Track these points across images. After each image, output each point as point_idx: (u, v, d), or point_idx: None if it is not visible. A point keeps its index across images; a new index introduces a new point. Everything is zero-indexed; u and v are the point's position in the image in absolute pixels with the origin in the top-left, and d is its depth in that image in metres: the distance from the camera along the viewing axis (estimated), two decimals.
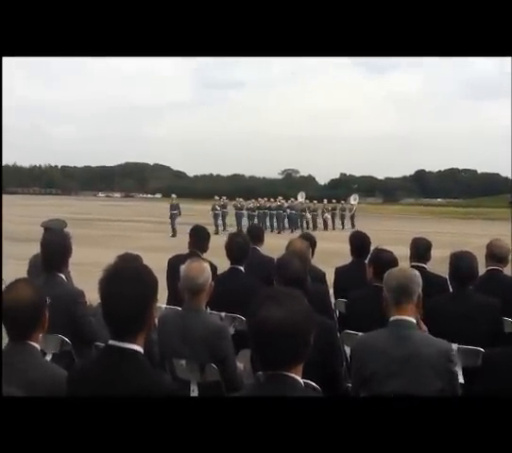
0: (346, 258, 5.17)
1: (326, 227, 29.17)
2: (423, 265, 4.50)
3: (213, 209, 26.47)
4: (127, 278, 2.00)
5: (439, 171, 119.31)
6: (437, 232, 19.93)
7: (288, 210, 28.20)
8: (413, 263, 4.52)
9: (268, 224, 26.89)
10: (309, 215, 29.19)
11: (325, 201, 31.38)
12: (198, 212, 27.03)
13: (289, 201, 29.53)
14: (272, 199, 29.19)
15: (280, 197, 29.37)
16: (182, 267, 3.27)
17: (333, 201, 32.36)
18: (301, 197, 32.82)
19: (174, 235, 21.85)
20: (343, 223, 31.03)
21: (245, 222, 26.02)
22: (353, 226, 29.61)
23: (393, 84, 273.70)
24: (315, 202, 31.53)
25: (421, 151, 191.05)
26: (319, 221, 29.73)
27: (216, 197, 27.60)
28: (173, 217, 23.20)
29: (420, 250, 4.72)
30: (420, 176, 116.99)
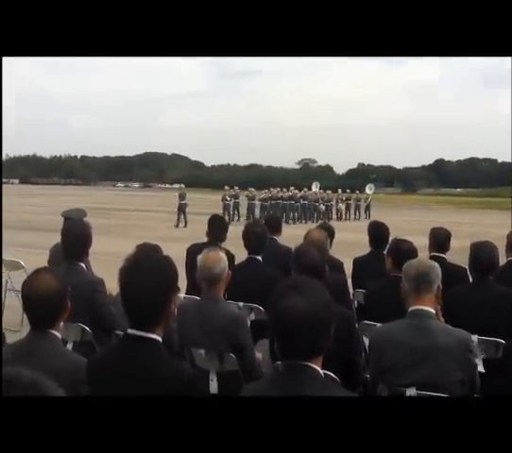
0: (362, 248, 5.15)
1: (340, 218, 28.60)
2: (443, 255, 4.47)
3: (223, 199, 26.12)
4: (147, 268, 2.00)
5: (459, 160, 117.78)
6: (456, 222, 19.75)
7: (301, 201, 27.76)
8: (432, 254, 4.48)
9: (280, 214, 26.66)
10: (323, 206, 28.69)
11: (339, 191, 30.79)
12: (215, 202, 27.04)
13: (302, 191, 28.95)
14: (285, 189, 28.66)
15: (292, 187, 28.84)
16: (199, 257, 3.27)
17: (348, 191, 31.68)
18: (316, 187, 32.14)
19: (182, 225, 21.76)
20: (358, 213, 30.52)
21: (257, 212, 25.77)
22: (368, 216, 29.15)
23: (410, 72, 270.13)
24: (330, 192, 30.95)
25: (440, 140, 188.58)
26: (334, 211, 29.29)
27: (226, 187, 27.21)
28: (181, 207, 22.89)
29: (439, 240, 4.68)
30: (439, 165, 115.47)
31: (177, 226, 21.88)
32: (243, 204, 26.79)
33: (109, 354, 2.14)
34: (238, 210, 25.91)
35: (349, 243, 8.24)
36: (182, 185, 26.64)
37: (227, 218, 23.02)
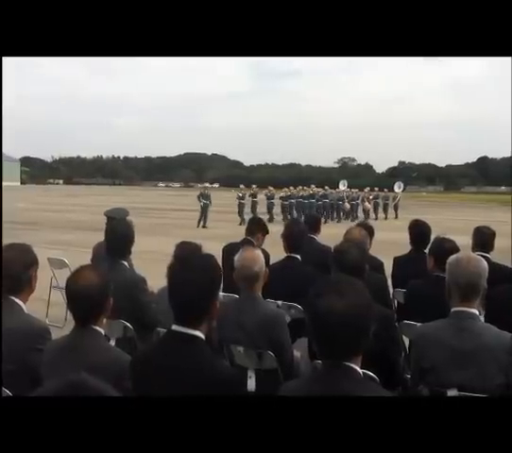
0: (395, 247, 5.07)
1: (367, 217, 26.23)
2: (487, 255, 4.36)
3: (239, 198, 24.64)
4: (194, 267, 2.04)
5: (503, 157, 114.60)
6: (501, 221, 19.23)
7: (322, 200, 26.49)
8: (476, 253, 4.38)
9: (295, 214, 25.04)
10: (347, 204, 27.26)
11: (366, 189, 29.51)
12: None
13: (323, 189, 27.61)
14: (305, 187, 27.47)
15: (313, 185, 27.78)
16: (236, 257, 3.29)
17: (376, 189, 30.27)
18: (343, 185, 30.75)
19: (202, 225, 21.14)
20: (386, 212, 28.79)
21: (276, 211, 24.80)
22: (397, 215, 28.00)
23: (453, 68, 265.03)
24: (356, 190, 29.77)
25: (484, 138, 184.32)
26: (360, 210, 27.77)
27: (242, 186, 25.98)
28: (202, 207, 21.99)
29: (483, 239, 4.58)
30: (483, 162, 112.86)
31: (198, 226, 21.05)
32: (262, 203, 25.53)
33: (152, 350, 2.17)
34: (255, 210, 24.30)
35: (381, 242, 8.17)
36: (208, 184, 26.07)
37: (240, 218, 21.91)
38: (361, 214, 27.65)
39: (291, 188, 27.22)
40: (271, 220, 22.26)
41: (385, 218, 27.76)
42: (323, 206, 26.47)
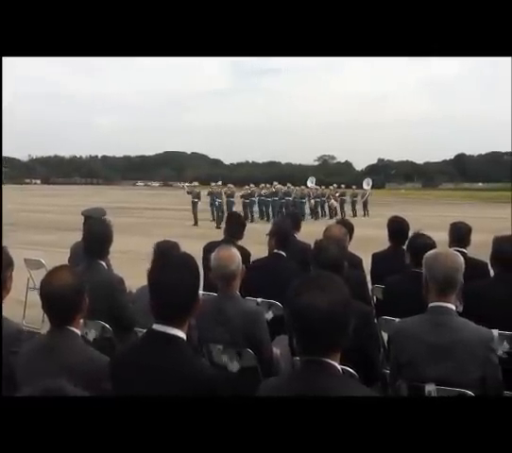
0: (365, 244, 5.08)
1: (332, 215, 25.70)
2: (463, 250, 4.42)
3: (193, 196, 22.49)
4: (177, 265, 2.05)
5: (480, 154, 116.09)
6: (478, 217, 19.48)
7: (285, 197, 25.81)
8: (453, 248, 4.43)
9: (256, 212, 24.47)
10: (313, 201, 26.79)
11: (333, 186, 28.77)
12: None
13: (285, 187, 26.91)
14: (268, 185, 26.34)
15: (275, 182, 26.79)
16: (212, 256, 3.28)
17: (343, 186, 29.51)
18: (311, 182, 30.02)
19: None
20: (354, 210, 27.87)
21: (236, 209, 23.65)
22: (367, 213, 27.50)
23: (431, 67, 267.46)
24: (323, 187, 29.01)
25: (461, 135, 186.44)
26: (326, 208, 27.21)
27: (195, 183, 24.74)
28: (219, 207, 21.65)
29: (460, 235, 4.64)
30: (461, 160, 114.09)
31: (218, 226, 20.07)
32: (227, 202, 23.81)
33: (132, 350, 2.16)
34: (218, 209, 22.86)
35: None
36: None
37: (194, 218, 21.07)
38: (327, 212, 27.09)
39: (252, 185, 25.89)
40: None
41: (354, 215, 26.78)
42: (286, 204, 25.50)
